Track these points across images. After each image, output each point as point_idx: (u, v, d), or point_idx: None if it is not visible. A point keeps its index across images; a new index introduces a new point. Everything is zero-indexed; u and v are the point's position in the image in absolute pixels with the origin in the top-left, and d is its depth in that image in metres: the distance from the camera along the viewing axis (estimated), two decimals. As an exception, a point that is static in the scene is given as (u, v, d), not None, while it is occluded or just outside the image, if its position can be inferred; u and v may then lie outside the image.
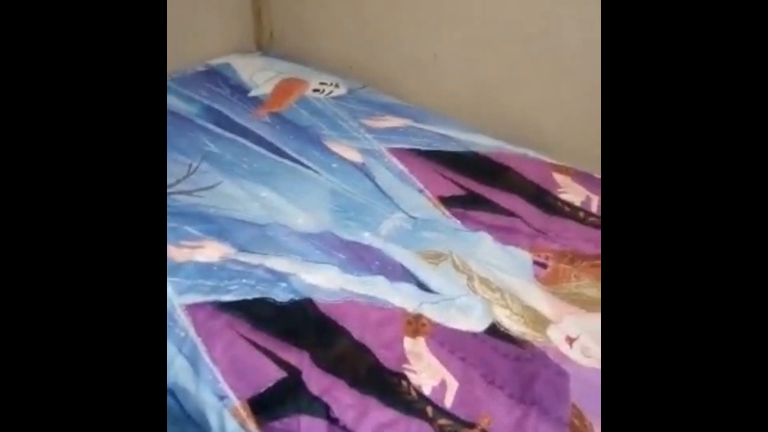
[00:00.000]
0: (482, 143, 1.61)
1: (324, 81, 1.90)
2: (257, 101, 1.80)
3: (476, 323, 1.11)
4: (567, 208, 1.41)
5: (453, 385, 1.00)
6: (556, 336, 1.09)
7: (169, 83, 1.85)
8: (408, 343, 1.06)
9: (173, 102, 1.77)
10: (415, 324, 1.10)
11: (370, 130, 1.67)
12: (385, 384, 1.00)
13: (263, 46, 2.20)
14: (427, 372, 1.02)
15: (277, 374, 1.00)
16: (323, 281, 1.16)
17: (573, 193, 1.46)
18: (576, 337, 1.08)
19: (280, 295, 1.13)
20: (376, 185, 1.47)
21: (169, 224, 1.28)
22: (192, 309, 1.09)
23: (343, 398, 0.96)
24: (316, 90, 1.85)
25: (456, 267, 1.23)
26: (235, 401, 0.96)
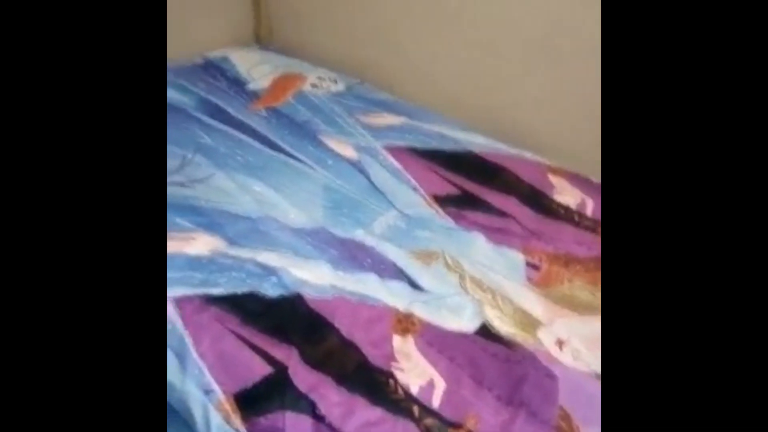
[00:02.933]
0: (478, 143, 1.60)
1: (322, 76, 1.89)
2: (254, 95, 1.79)
3: (467, 323, 1.10)
4: (562, 211, 1.41)
5: (441, 385, 0.99)
6: (546, 338, 1.08)
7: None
8: (397, 341, 1.06)
9: (170, 93, 1.75)
10: (405, 322, 1.09)
11: (367, 126, 1.66)
12: (373, 382, 0.99)
13: (262, 40, 2.18)
14: (415, 371, 1.01)
15: (263, 370, 0.99)
16: (313, 277, 1.15)
17: (568, 195, 1.45)
18: (566, 340, 1.07)
19: (270, 289, 1.12)
20: (371, 182, 1.46)
21: (161, 216, 1.27)
22: (180, 302, 1.08)
23: (329, 395, 0.95)
24: (313, 85, 1.84)
25: (448, 266, 1.22)
26: (221, 395, 0.95)
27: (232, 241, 1.23)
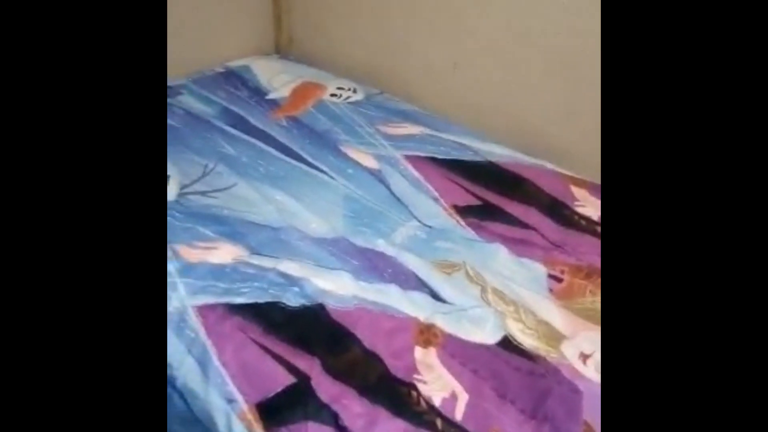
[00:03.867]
0: (499, 153, 1.60)
1: (342, 86, 1.90)
2: (275, 104, 1.80)
3: (489, 335, 1.09)
4: (583, 222, 1.40)
5: (463, 397, 0.99)
6: (570, 352, 1.07)
7: (187, 84, 1.86)
8: (419, 352, 1.05)
9: (191, 103, 1.78)
10: (427, 334, 1.09)
11: (387, 136, 1.66)
12: (395, 394, 0.98)
13: (283, 50, 2.20)
14: (437, 383, 1.01)
15: (286, 380, 0.99)
16: (335, 287, 1.16)
17: (590, 206, 1.44)
18: (590, 353, 1.06)
19: (292, 299, 1.12)
20: (391, 192, 1.46)
21: (184, 224, 1.29)
22: (203, 310, 1.09)
23: (352, 406, 0.95)
24: (333, 95, 1.85)
25: (470, 278, 1.22)
26: (243, 405, 0.95)
27: (254, 251, 1.24)
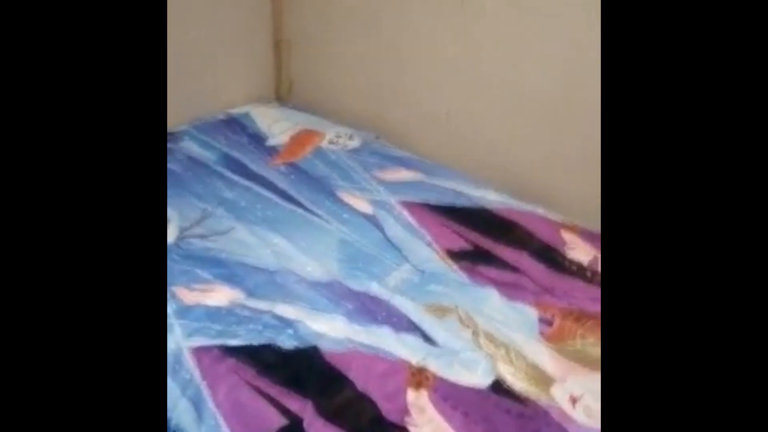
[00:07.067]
0: (491, 199, 1.64)
1: (339, 133, 1.95)
2: (274, 150, 1.85)
3: (480, 379, 1.11)
4: (574, 267, 1.42)
5: (454, 440, 1.00)
6: (559, 395, 1.08)
7: (189, 130, 1.92)
8: (411, 395, 1.06)
9: (193, 148, 1.83)
10: (419, 376, 1.10)
11: (382, 182, 1.71)
12: (387, 437, 0.99)
13: (283, 97, 2.27)
14: (429, 426, 1.01)
15: (279, 421, 1.00)
16: (329, 330, 1.18)
17: (581, 251, 1.47)
18: (579, 396, 1.08)
19: (286, 341, 1.14)
20: (386, 237, 1.49)
21: (182, 267, 1.31)
22: (198, 352, 1.11)
23: (344, 449, 0.96)
24: (331, 141, 1.90)
25: (461, 321, 1.24)
26: (236, 447, 0.96)
27: (250, 293, 1.26)
